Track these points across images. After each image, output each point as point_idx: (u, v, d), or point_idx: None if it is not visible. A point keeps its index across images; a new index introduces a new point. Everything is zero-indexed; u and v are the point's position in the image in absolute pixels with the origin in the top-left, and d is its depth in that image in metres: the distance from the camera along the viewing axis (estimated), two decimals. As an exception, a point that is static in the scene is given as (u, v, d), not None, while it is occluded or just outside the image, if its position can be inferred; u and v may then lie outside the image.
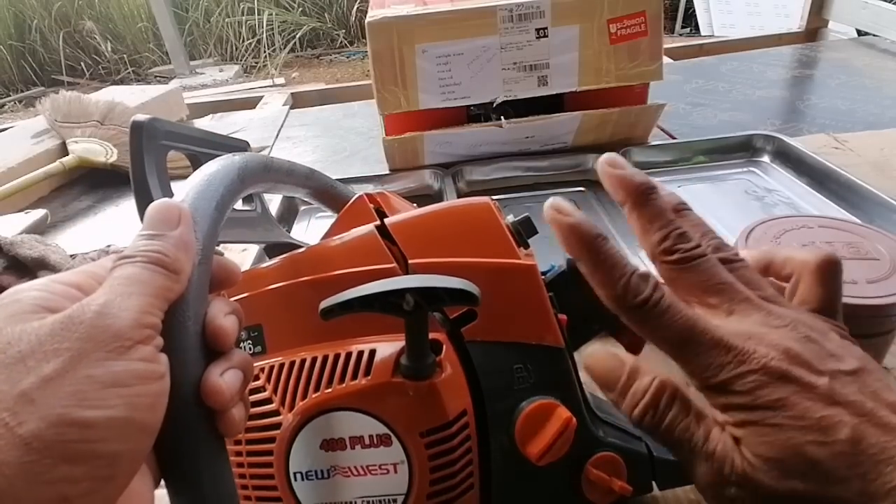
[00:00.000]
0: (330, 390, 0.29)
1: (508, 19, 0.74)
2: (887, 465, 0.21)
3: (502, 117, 0.79)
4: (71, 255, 0.69)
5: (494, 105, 0.78)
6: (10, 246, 0.67)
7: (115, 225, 0.87)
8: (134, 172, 0.35)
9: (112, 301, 0.21)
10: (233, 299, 0.32)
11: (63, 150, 1.00)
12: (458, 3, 0.76)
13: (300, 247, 0.45)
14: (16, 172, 0.92)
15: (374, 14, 0.74)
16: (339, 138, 1.09)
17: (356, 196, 0.37)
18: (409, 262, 0.31)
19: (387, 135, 0.80)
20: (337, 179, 0.91)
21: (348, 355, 0.30)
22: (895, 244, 0.43)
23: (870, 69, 1.16)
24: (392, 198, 0.38)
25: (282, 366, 0.31)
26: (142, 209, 0.35)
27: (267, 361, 0.31)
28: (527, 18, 0.74)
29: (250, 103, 1.44)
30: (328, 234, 0.35)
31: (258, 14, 3.53)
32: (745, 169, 0.81)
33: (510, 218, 0.33)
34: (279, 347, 0.32)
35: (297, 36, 3.63)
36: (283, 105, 1.38)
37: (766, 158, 0.82)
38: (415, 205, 0.40)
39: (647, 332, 0.25)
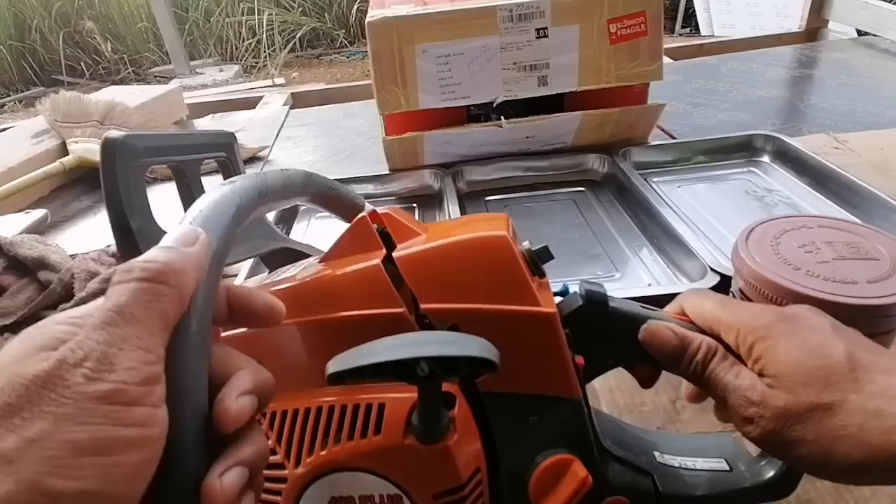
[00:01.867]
0: (339, 447, 0.28)
1: (508, 19, 0.74)
2: (876, 374, 0.27)
3: (502, 117, 0.79)
4: (71, 255, 0.69)
5: (494, 105, 0.78)
6: (10, 246, 0.67)
7: (115, 225, 0.87)
8: (109, 199, 0.32)
9: (104, 357, 0.19)
10: (231, 333, 0.30)
11: (63, 150, 1.00)
12: (458, 3, 0.76)
13: (300, 252, 0.43)
14: (16, 172, 0.92)
15: (374, 14, 0.74)
16: (339, 138, 1.09)
17: (358, 216, 0.34)
18: (421, 306, 0.29)
19: (387, 135, 0.80)
20: (337, 179, 0.91)
21: (356, 409, 0.29)
22: (895, 244, 0.43)
23: (870, 69, 1.16)
24: (396, 216, 0.35)
25: (285, 413, 0.30)
26: (121, 242, 0.33)
27: (270, 407, 0.30)
28: (527, 18, 0.74)
29: (250, 103, 1.44)
30: (330, 256, 0.33)
31: (258, 14, 3.53)
32: (745, 169, 0.81)
33: (526, 245, 0.31)
34: (279, 388, 0.30)
35: (297, 36, 3.63)
36: (283, 105, 1.38)
37: (766, 158, 0.82)
38: (419, 220, 0.38)
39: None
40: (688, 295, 0.35)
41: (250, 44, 3.55)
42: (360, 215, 0.33)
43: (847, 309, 0.39)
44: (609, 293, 0.33)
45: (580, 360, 0.32)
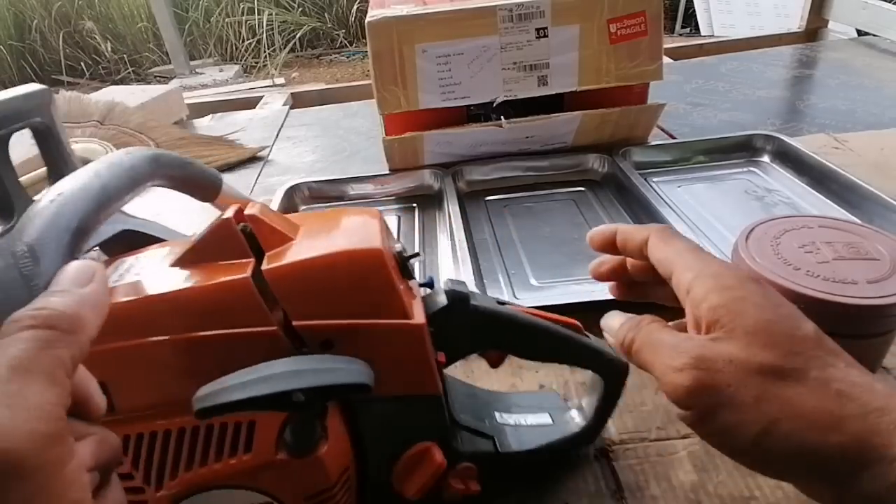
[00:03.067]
0: (206, 468, 0.28)
1: (508, 19, 0.74)
2: (839, 360, 0.25)
3: (502, 117, 0.79)
4: (71, 255, 0.69)
5: (494, 105, 0.78)
6: (10, 246, 0.66)
7: (115, 225, 0.86)
8: None
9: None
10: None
11: (63, 150, 1.00)
12: (458, 3, 0.76)
13: (146, 235, 0.37)
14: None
15: (374, 14, 0.74)
16: (339, 138, 1.09)
17: (221, 216, 0.30)
18: (294, 323, 0.28)
19: (387, 135, 0.80)
20: (337, 179, 0.91)
21: (223, 428, 0.28)
22: (895, 244, 0.43)
23: (870, 69, 1.16)
24: (263, 218, 0.30)
25: (140, 437, 0.28)
26: None
27: (122, 431, 0.28)
28: (527, 18, 0.74)
29: (250, 103, 1.44)
30: (189, 258, 0.29)
31: (258, 14, 3.53)
32: (745, 169, 0.81)
33: (398, 247, 0.32)
34: (130, 408, 0.28)
35: (297, 36, 3.63)
36: (283, 105, 1.38)
37: (766, 158, 0.82)
38: (291, 218, 0.34)
39: None
40: (656, 231, 0.33)
41: (250, 44, 3.55)
42: (223, 216, 0.30)
43: (847, 309, 0.39)
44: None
45: (442, 357, 0.34)
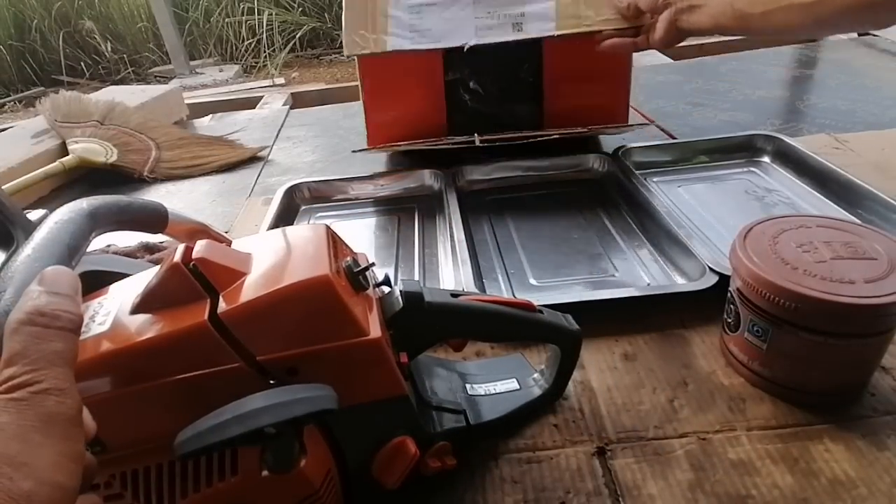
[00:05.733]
0: (199, 496, 0.30)
1: None
2: None
3: (475, 134, 0.79)
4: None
5: (465, 49, 0.78)
6: (10, 246, 0.66)
7: (115, 225, 0.86)
8: None
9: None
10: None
11: (63, 150, 1.00)
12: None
13: (104, 273, 0.38)
14: (16, 172, 0.92)
15: None
16: (339, 138, 1.09)
17: (171, 260, 0.30)
18: (258, 358, 0.30)
19: (370, 143, 0.80)
20: (336, 179, 0.91)
21: (209, 457, 0.30)
22: (893, 244, 0.43)
23: (870, 69, 1.16)
24: (211, 259, 0.31)
25: (136, 472, 0.30)
26: None
27: (118, 469, 0.30)
28: None
29: (250, 103, 1.45)
30: (145, 304, 0.30)
31: (258, 14, 3.53)
32: (745, 169, 0.81)
33: (348, 260, 0.34)
34: (121, 447, 0.30)
35: (297, 36, 3.62)
36: (283, 105, 1.38)
37: (766, 158, 0.82)
38: (239, 244, 0.35)
39: None
40: None
41: (250, 44, 3.55)
42: (172, 260, 0.30)
43: (844, 308, 0.39)
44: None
45: (404, 358, 0.35)
